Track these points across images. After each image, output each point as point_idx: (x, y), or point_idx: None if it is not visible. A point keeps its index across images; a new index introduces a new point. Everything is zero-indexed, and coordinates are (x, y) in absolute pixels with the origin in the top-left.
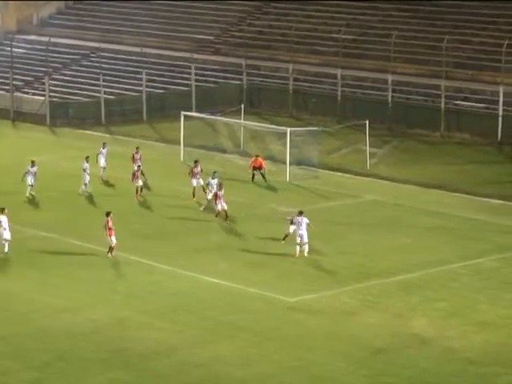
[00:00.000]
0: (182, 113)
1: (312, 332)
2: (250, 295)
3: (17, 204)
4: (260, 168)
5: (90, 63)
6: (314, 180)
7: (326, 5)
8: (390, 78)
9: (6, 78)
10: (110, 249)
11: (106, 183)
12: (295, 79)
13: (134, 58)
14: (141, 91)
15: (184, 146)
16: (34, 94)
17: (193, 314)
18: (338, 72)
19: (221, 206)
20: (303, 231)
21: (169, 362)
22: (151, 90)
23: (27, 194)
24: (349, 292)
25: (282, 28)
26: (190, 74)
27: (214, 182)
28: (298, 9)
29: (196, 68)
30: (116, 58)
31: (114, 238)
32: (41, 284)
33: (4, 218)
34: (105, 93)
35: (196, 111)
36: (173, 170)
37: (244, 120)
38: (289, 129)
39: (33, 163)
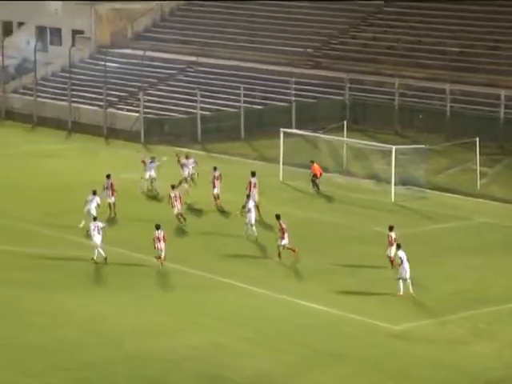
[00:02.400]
0: (282, 130)
1: (418, 362)
2: (349, 322)
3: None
4: (315, 176)
5: (186, 78)
6: (421, 201)
7: (430, 15)
8: (502, 92)
9: (100, 94)
10: (159, 258)
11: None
12: (401, 94)
13: (231, 72)
14: (239, 107)
15: (283, 164)
16: (128, 110)
17: (290, 341)
18: (447, 87)
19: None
20: (406, 265)
21: None
22: (249, 105)
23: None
24: (457, 320)
25: (388, 41)
26: (289, 88)
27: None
28: (403, 20)
29: (296, 83)
30: (213, 73)
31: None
32: (132, 307)
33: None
34: (201, 109)
35: (296, 128)
36: (271, 189)
37: (346, 137)
38: (394, 147)
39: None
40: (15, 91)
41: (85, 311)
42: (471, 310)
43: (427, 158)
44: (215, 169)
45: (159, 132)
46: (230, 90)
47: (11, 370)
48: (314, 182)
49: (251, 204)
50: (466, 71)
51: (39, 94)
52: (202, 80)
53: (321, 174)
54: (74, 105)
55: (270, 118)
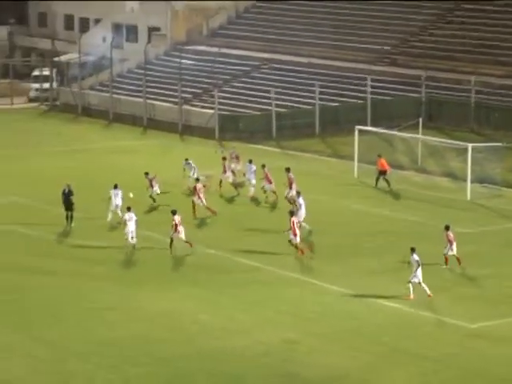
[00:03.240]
0: (357, 127)
1: (494, 361)
2: (425, 320)
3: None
4: (385, 172)
5: (260, 75)
6: (498, 199)
7: (508, 12)
8: None
9: (175, 91)
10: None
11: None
12: (477, 92)
13: (306, 69)
14: (314, 104)
15: (358, 161)
16: (202, 107)
17: (366, 339)
18: None
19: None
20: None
21: None
22: (324, 102)
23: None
24: None
25: (465, 38)
26: (365, 86)
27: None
28: (481, 17)
29: (372, 80)
30: (288, 70)
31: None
32: (207, 304)
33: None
34: (276, 105)
35: (371, 125)
36: (346, 186)
37: (422, 135)
38: (470, 144)
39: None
40: (92, 88)
41: (158, 306)
42: None
43: (504, 156)
44: (263, 166)
45: (234, 129)
46: (304, 87)
47: (88, 364)
48: (379, 179)
49: (301, 200)
50: None
51: (115, 90)
52: (276, 77)
53: (388, 169)
54: (149, 101)
55: (346, 116)
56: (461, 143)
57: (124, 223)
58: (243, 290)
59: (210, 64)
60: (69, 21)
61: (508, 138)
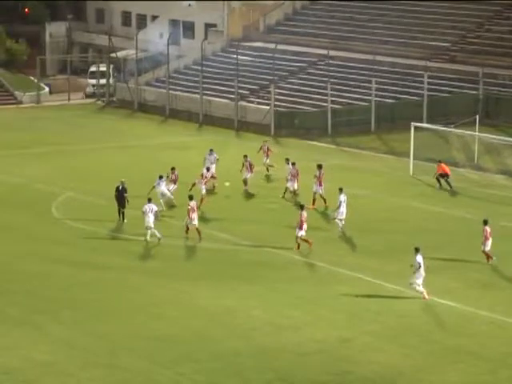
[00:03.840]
0: (413, 124)
1: None
2: (479, 318)
3: (230, 215)
4: (446, 175)
5: (317, 71)
6: None
7: None
8: None
9: (231, 87)
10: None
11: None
12: None
13: (363, 65)
14: (369, 101)
15: (414, 158)
16: (258, 103)
17: (420, 337)
18: None
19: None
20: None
21: None
22: (381, 99)
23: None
24: None
25: None
26: (422, 82)
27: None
28: None
29: (429, 77)
30: (344, 66)
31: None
32: (261, 300)
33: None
34: (332, 102)
35: (427, 122)
36: (401, 184)
37: (479, 132)
38: None
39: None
40: (148, 84)
41: (214, 303)
42: None
43: None
44: (293, 164)
45: (290, 125)
46: (362, 84)
47: (142, 359)
48: (439, 180)
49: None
50: None
51: (171, 86)
52: (333, 73)
53: (449, 172)
54: (205, 97)
55: (402, 112)
56: None
57: (143, 214)
58: (297, 286)
59: (266, 60)
60: (126, 17)
61: None
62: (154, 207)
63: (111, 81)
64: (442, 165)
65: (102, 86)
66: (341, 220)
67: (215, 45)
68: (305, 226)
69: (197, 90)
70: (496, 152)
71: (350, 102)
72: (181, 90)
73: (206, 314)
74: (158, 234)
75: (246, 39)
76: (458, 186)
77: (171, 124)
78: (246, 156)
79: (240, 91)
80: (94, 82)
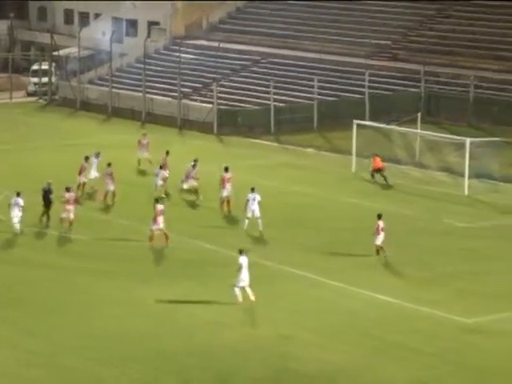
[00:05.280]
0: (355, 121)
1: (491, 356)
2: (421, 314)
3: (178, 213)
4: (381, 170)
5: (260, 69)
6: (495, 194)
7: (510, 7)
8: None
9: (174, 85)
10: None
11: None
12: (476, 87)
13: (305, 63)
14: (312, 99)
15: (356, 156)
16: (201, 102)
17: (361, 334)
18: None
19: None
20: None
21: None
22: (323, 97)
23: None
24: None
25: (465, 32)
26: (364, 80)
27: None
28: (481, 12)
29: (372, 75)
30: (287, 64)
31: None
32: (202, 299)
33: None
34: (275, 100)
35: (370, 120)
36: (344, 181)
37: (421, 129)
38: (468, 139)
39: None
40: (91, 82)
41: (158, 301)
42: None
43: (502, 150)
44: (226, 170)
45: (232, 123)
46: (303, 82)
47: (85, 359)
48: (373, 175)
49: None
50: None
51: (114, 84)
52: (275, 72)
53: (383, 166)
54: (148, 96)
55: (344, 110)
56: (459, 138)
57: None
58: None
59: (209, 58)
60: (68, 15)
61: (507, 133)
62: (21, 201)
63: (53, 79)
64: (377, 158)
65: (45, 84)
66: (248, 218)
67: (158, 43)
68: (160, 219)
69: (140, 89)
70: (437, 149)
71: (293, 100)
72: (124, 88)
73: (148, 313)
74: (17, 229)
75: (189, 37)
76: (400, 183)
77: (114, 122)
78: (167, 152)
79: (183, 89)
80: (36, 80)
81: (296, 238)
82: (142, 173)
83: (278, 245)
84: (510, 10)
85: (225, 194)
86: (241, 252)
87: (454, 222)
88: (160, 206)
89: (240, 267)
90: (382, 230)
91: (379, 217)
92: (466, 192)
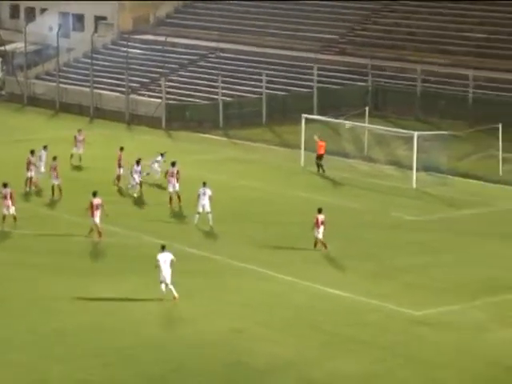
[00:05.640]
0: (303, 116)
1: (439, 348)
2: (372, 308)
3: (127, 208)
4: (321, 157)
5: (208, 64)
6: (443, 187)
7: (456, 1)
8: None
9: (122, 80)
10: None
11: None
12: (423, 80)
13: (254, 58)
14: (261, 93)
15: (305, 150)
16: (149, 96)
17: (312, 327)
18: (470, 73)
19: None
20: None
21: (287, 378)
22: (272, 91)
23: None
24: (479, 306)
25: (410, 26)
26: (312, 75)
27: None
28: (427, 6)
29: (319, 69)
30: (235, 59)
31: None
32: (154, 293)
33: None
34: (223, 95)
35: (318, 114)
36: (293, 175)
37: (368, 123)
38: (416, 133)
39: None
40: (38, 77)
41: (109, 297)
42: (493, 297)
43: (450, 144)
44: (173, 164)
45: (181, 118)
46: (252, 77)
47: (35, 355)
48: (319, 164)
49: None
50: (491, 57)
51: (62, 80)
52: (224, 66)
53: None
54: (96, 91)
55: (293, 104)
56: (407, 132)
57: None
58: (191, 279)
59: (157, 53)
60: (14, 10)
61: (454, 127)
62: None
63: (0, 74)
64: (320, 143)
65: None
66: (198, 213)
67: (105, 38)
68: (97, 214)
69: (87, 84)
70: (385, 143)
71: (241, 94)
72: (71, 84)
73: (101, 308)
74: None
75: (136, 32)
76: (349, 176)
77: (62, 118)
78: (121, 148)
79: (131, 84)
80: None
81: (245, 232)
82: (87, 168)
83: (227, 239)
84: (453, 3)
85: (170, 189)
86: (162, 248)
87: (402, 216)
88: (96, 200)
89: (157, 264)
90: (322, 223)
91: (319, 211)
92: (414, 185)
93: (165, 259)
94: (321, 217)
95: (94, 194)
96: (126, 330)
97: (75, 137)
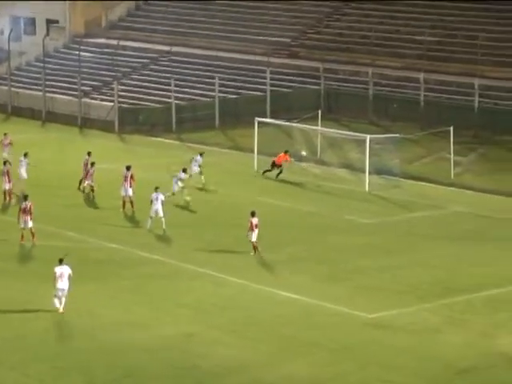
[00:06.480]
0: (256, 119)
1: (392, 351)
2: (325, 311)
3: (80, 213)
4: (279, 165)
5: (160, 67)
6: (395, 190)
7: (409, 5)
8: (476, 82)
9: (74, 83)
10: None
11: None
12: (375, 83)
13: (206, 61)
14: (213, 96)
15: (258, 153)
16: (102, 100)
17: (265, 330)
18: (421, 76)
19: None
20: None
21: (240, 381)
22: (224, 95)
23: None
24: (431, 308)
25: (363, 30)
26: (265, 78)
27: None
28: (379, 9)
29: (271, 72)
30: (188, 62)
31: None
32: (107, 298)
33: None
34: (176, 98)
35: (271, 117)
36: (246, 179)
37: (321, 126)
38: (368, 136)
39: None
40: None
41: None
42: (445, 299)
43: (401, 147)
44: (128, 168)
45: (134, 121)
46: (205, 80)
47: None
48: (269, 170)
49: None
50: (442, 61)
51: (13, 83)
52: (177, 69)
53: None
54: (48, 95)
55: (245, 108)
56: (359, 135)
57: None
58: (144, 283)
59: (109, 56)
60: None
61: (406, 129)
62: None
63: None
64: (282, 155)
65: None
66: (151, 217)
67: (57, 41)
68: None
69: (39, 87)
70: (338, 146)
71: (194, 97)
72: (23, 87)
73: (51, 313)
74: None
75: (88, 35)
76: (302, 180)
77: (14, 122)
78: (89, 153)
79: (83, 88)
80: None
81: (198, 235)
82: (41, 171)
83: (180, 243)
84: (404, 6)
85: (123, 193)
86: (60, 261)
87: (356, 219)
88: (24, 205)
89: (54, 277)
90: (256, 226)
91: (253, 214)
92: (367, 188)
93: (61, 271)
94: (254, 220)
95: (25, 198)
96: (78, 335)
97: (1, 141)
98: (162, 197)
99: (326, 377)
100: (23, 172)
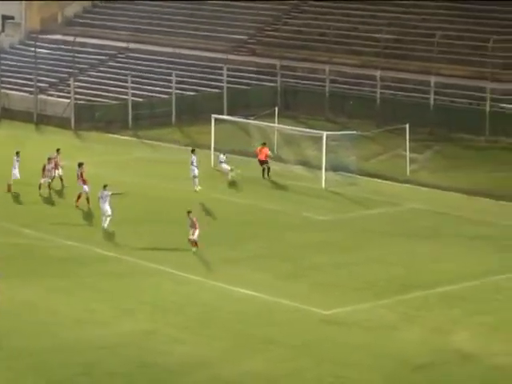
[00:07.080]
0: (213, 116)
1: (348, 347)
2: (282, 307)
3: (37, 209)
4: (265, 162)
5: (117, 64)
6: (351, 187)
7: (366, 3)
8: (432, 79)
9: (30, 80)
10: None
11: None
12: (332, 81)
13: (163, 58)
14: (170, 93)
15: (215, 150)
16: (58, 97)
17: (223, 327)
18: (378, 73)
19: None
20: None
21: (198, 378)
22: (181, 92)
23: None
24: (387, 305)
25: (321, 27)
26: (222, 75)
27: None
28: (336, 7)
29: (229, 69)
30: (145, 59)
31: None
32: (64, 295)
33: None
34: (132, 95)
35: (228, 114)
36: (203, 175)
37: (278, 123)
38: (325, 133)
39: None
40: None
41: (17, 299)
42: (400, 296)
43: (358, 144)
44: (80, 165)
45: (90, 118)
46: (162, 77)
47: None
48: (264, 169)
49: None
50: (399, 58)
51: None
52: (133, 66)
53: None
54: (3, 91)
55: (202, 105)
56: (316, 131)
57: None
58: (102, 280)
59: (65, 53)
60: None
61: (362, 126)
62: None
63: None
64: (261, 149)
65: None
66: (106, 217)
67: (13, 37)
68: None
69: None
70: (295, 143)
71: (151, 94)
72: None
73: (7, 310)
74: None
75: (44, 32)
76: (260, 177)
77: None
78: (58, 150)
79: (39, 84)
80: None
81: (155, 232)
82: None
83: (136, 240)
84: (361, 4)
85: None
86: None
87: (312, 216)
88: None
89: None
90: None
91: (189, 213)
92: (324, 185)
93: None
94: (193, 218)
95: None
96: (34, 333)
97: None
98: (108, 194)
99: (283, 373)
100: (16, 172)
